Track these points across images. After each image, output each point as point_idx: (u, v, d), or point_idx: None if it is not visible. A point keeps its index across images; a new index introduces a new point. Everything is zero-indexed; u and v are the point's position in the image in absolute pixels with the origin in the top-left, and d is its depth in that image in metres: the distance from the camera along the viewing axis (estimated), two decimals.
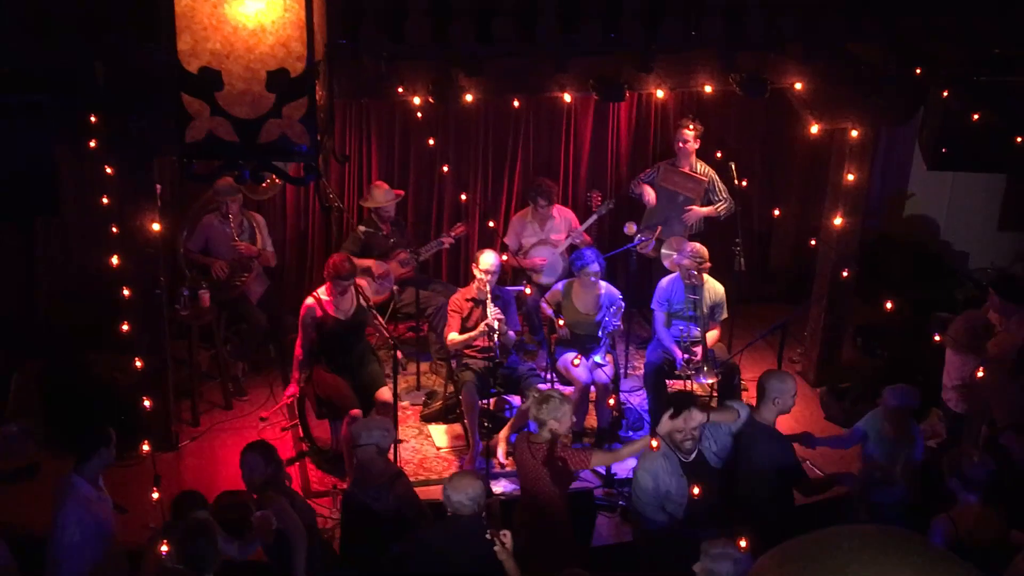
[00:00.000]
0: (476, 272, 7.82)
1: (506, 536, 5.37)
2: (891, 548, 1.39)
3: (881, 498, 5.73)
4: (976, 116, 7.36)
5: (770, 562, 1.48)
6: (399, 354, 7.97)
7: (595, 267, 7.94)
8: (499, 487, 7.45)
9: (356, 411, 7.35)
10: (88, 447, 5.69)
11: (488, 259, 7.78)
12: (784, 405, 6.37)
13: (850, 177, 8.27)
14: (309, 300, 7.64)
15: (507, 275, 9.22)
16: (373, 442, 6.25)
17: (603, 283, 8.12)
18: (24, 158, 6.12)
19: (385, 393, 7.52)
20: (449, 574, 5.47)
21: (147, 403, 7.09)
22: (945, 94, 7.44)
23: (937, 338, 7.49)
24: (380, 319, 8.00)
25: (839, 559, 1.38)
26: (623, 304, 8.05)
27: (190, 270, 8.38)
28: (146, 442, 6.79)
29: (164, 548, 5.31)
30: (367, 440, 6.25)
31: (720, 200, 8.97)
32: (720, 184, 8.97)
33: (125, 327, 7.39)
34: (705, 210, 8.98)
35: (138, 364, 7.29)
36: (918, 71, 7.61)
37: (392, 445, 6.90)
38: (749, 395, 8.41)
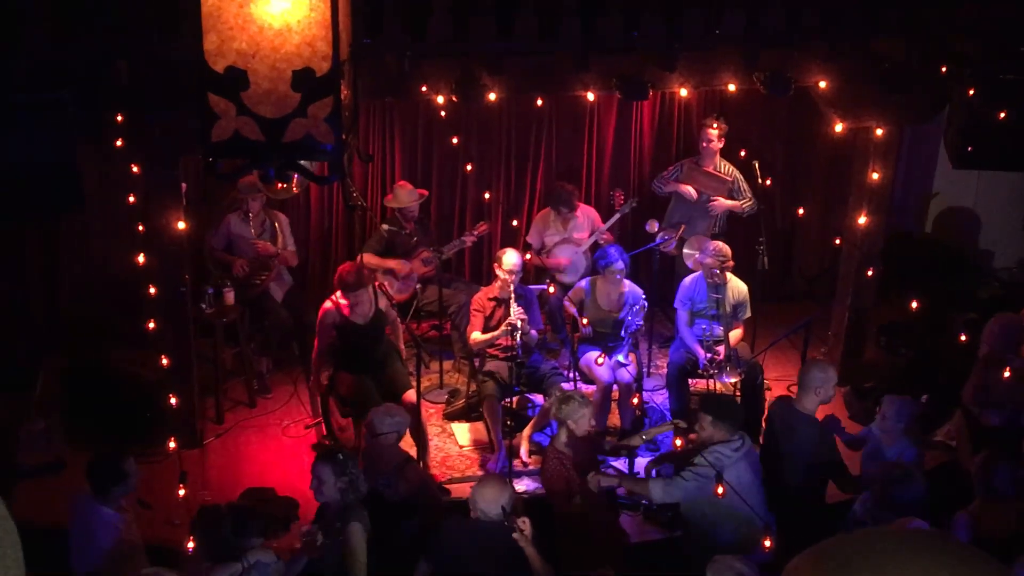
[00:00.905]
0: (499, 271, 7.82)
1: (525, 524, 5.38)
2: (928, 550, 1.38)
3: (901, 496, 5.72)
4: (1002, 114, 7.31)
5: (804, 563, 1.48)
6: (424, 356, 8.00)
7: (619, 264, 7.94)
8: (521, 486, 7.45)
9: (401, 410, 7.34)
10: (102, 482, 5.68)
11: (511, 258, 7.79)
12: (826, 395, 6.53)
13: (875, 176, 8.23)
14: (327, 304, 7.66)
15: (530, 274, 9.22)
16: (394, 430, 6.38)
17: (627, 281, 8.12)
18: (48, 156, 6.15)
19: (411, 395, 7.54)
20: (470, 574, 5.48)
21: (173, 400, 7.14)
22: (971, 92, 7.40)
23: (963, 337, 7.45)
24: (401, 325, 8.01)
25: (875, 560, 1.38)
26: (646, 303, 8.05)
27: (215, 268, 8.44)
28: (172, 439, 6.83)
29: (190, 545, 5.36)
30: (388, 428, 6.36)
31: (744, 199, 8.95)
32: (744, 184, 8.95)
33: (151, 325, 7.44)
34: (730, 202, 8.95)
35: (164, 361, 7.34)
36: (943, 69, 7.57)
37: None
38: (772, 395, 8.40)
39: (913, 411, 6.67)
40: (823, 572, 1.43)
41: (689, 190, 8.99)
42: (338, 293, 7.62)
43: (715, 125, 8.85)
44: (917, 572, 1.34)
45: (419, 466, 6.72)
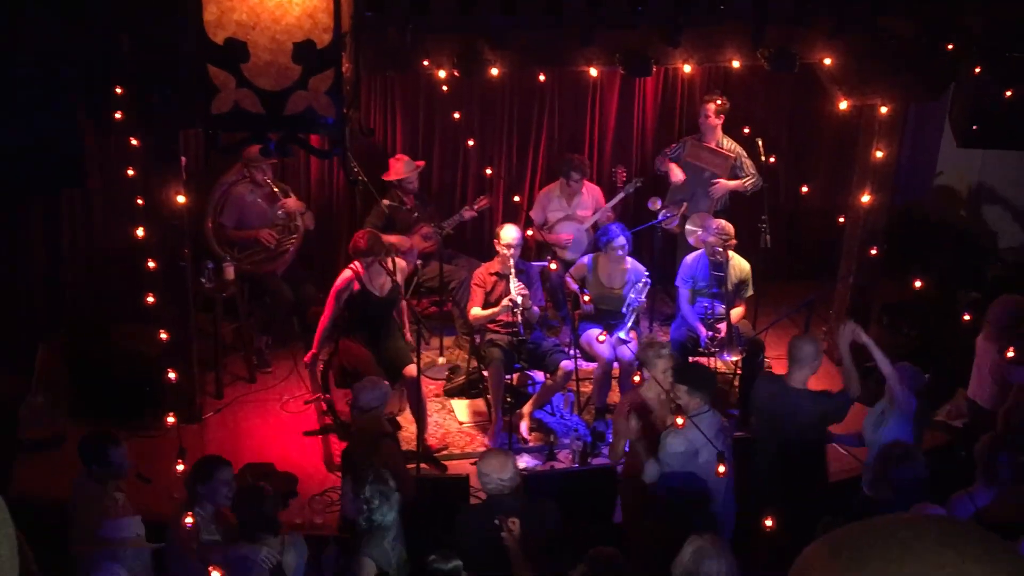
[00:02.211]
0: (498, 247, 7.79)
1: (515, 524, 5.35)
2: (949, 539, 1.35)
3: (902, 474, 5.70)
4: (1009, 93, 7.25)
5: (819, 552, 1.44)
6: (424, 332, 7.99)
7: (621, 241, 7.90)
8: (522, 462, 7.44)
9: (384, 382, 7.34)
10: (93, 459, 5.69)
11: (509, 233, 7.75)
12: (815, 367, 6.50)
13: (879, 154, 8.17)
14: (348, 272, 7.62)
15: (532, 250, 9.19)
16: (376, 403, 6.45)
17: (629, 259, 8.08)
18: (50, 130, 6.11)
19: (411, 370, 7.53)
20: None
21: (172, 375, 7.12)
22: (977, 70, 7.34)
23: (967, 317, 7.41)
24: (403, 305, 8.00)
25: (894, 550, 1.34)
26: (649, 280, 8.02)
27: (225, 247, 8.30)
28: (171, 414, 6.82)
29: (189, 520, 5.35)
30: (369, 401, 6.41)
31: (747, 176, 8.90)
32: (747, 160, 8.90)
33: (150, 299, 7.41)
34: (732, 183, 8.91)
35: (163, 336, 7.31)
36: (949, 47, 7.51)
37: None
38: (773, 371, 8.38)
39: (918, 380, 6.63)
40: (838, 562, 1.40)
41: (677, 173, 8.95)
42: (357, 263, 7.59)
43: (713, 100, 8.80)
44: (938, 562, 1.31)
45: (395, 442, 6.76)
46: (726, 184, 8.89)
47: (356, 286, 7.57)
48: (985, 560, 1.31)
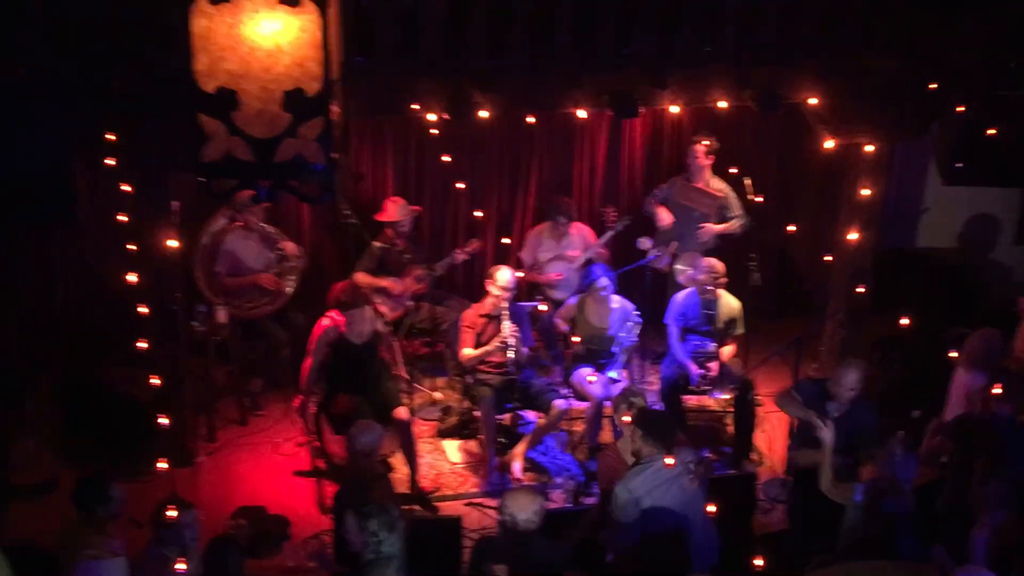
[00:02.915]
0: (491, 288, 7.82)
1: (503, 571, 5.36)
2: None
3: (891, 508, 5.72)
4: (992, 131, 7.33)
5: None
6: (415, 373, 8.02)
7: (603, 281, 7.94)
8: None
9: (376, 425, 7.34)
10: (88, 504, 5.67)
11: (504, 276, 7.79)
12: None
13: (865, 192, 8.23)
14: (325, 321, 7.64)
15: (522, 291, 9.22)
16: (370, 447, 6.51)
17: (616, 297, 8.11)
18: (41, 162, 6.13)
19: (402, 412, 7.53)
20: None
21: (165, 421, 7.11)
22: (961, 108, 7.42)
23: (954, 354, 7.45)
24: (396, 345, 8.01)
25: None
26: (639, 319, 8.05)
27: (220, 296, 8.28)
28: (163, 459, 6.81)
29: (182, 567, 5.34)
30: (363, 444, 6.47)
31: (734, 217, 8.95)
32: (734, 200, 8.95)
33: (142, 344, 7.41)
34: (719, 227, 8.96)
35: (154, 381, 7.30)
36: (933, 84, 7.59)
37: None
38: (764, 409, 8.41)
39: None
40: None
41: (664, 217, 9.01)
42: (336, 312, 7.61)
43: (702, 141, 8.86)
44: None
45: (389, 483, 6.86)
46: (712, 228, 8.94)
47: (333, 335, 7.58)
48: None
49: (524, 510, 5.49)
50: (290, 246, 8.46)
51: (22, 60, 6.29)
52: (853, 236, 8.33)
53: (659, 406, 8.27)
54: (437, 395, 8.80)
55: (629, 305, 8.17)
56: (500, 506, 5.62)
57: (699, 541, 5.99)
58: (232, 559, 5.35)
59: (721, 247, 9.09)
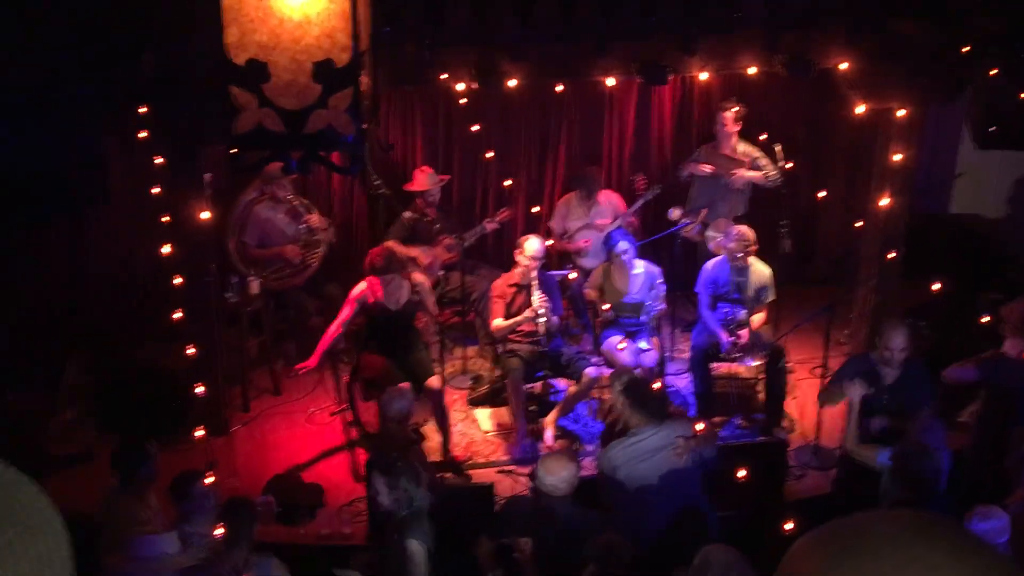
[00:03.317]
0: (520, 258, 7.84)
1: (527, 544, 5.39)
2: (925, 533, 1.40)
3: (920, 473, 5.71)
4: None
5: (803, 548, 1.50)
6: (446, 342, 8.07)
7: (623, 245, 7.95)
8: None
9: (405, 384, 7.38)
10: (129, 466, 5.75)
11: (533, 245, 7.80)
12: None
13: (897, 157, 8.17)
14: (363, 284, 7.69)
15: (551, 260, 9.24)
16: (401, 413, 6.63)
17: (640, 261, 8.12)
18: (74, 149, 6.20)
19: (434, 382, 7.59)
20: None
21: (200, 389, 7.20)
22: (993, 72, 7.34)
23: (987, 319, 7.40)
24: (432, 311, 8.05)
25: (871, 543, 1.40)
26: (664, 285, 8.06)
27: (249, 265, 8.37)
28: (201, 428, 6.91)
29: (220, 532, 5.43)
30: (394, 410, 6.59)
31: (767, 167, 8.87)
32: (765, 160, 8.89)
33: (177, 315, 7.50)
34: (751, 174, 8.89)
35: (190, 351, 7.40)
36: (965, 49, 7.51)
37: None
38: (795, 376, 8.41)
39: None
40: (819, 556, 1.46)
41: (704, 167, 8.98)
42: (374, 278, 7.66)
43: (730, 108, 8.83)
44: (911, 556, 1.37)
45: (421, 450, 6.95)
46: (744, 174, 8.88)
47: (370, 299, 7.64)
48: (956, 553, 1.37)
49: (554, 474, 5.53)
50: (315, 219, 8.51)
51: (52, 46, 6.33)
52: (885, 202, 8.28)
53: (689, 375, 8.32)
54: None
55: (655, 269, 8.17)
56: (533, 472, 5.67)
57: (687, 514, 6.00)
58: (245, 519, 5.41)
59: (751, 214, 9.06)
